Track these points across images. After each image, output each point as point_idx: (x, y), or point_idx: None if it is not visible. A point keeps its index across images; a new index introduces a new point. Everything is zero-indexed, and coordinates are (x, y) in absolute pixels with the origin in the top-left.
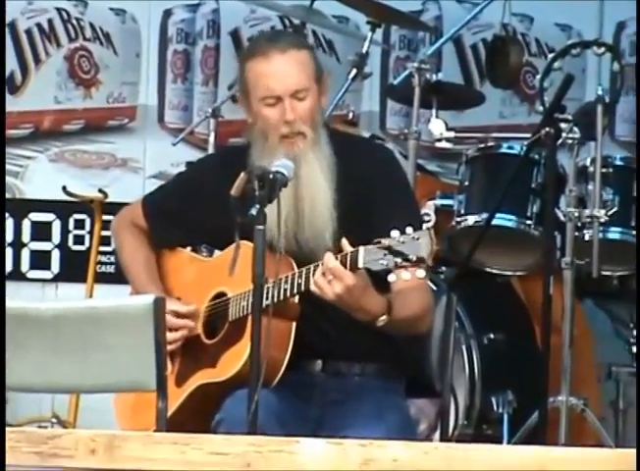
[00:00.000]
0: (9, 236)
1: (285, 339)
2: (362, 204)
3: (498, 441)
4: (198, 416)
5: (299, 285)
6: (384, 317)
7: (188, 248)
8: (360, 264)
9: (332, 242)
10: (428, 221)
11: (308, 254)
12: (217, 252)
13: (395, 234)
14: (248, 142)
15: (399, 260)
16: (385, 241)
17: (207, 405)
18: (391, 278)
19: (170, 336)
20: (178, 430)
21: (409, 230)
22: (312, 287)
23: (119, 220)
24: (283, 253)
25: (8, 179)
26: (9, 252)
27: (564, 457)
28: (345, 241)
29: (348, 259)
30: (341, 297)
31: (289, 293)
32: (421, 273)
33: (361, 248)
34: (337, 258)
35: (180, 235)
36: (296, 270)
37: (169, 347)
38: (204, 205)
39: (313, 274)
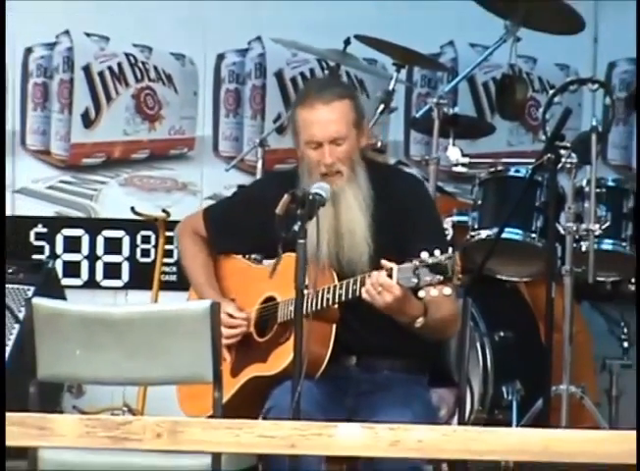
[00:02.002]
0: (85, 250)
1: (326, 338)
2: (397, 228)
3: (508, 424)
4: (250, 403)
5: (340, 295)
6: (421, 319)
7: (240, 256)
8: (394, 280)
9: (368, 264)
10: (447, 235)
11: (347, 271)
12: (266, 262)
13: (424, 255)
14: (297, 170)
15: (427, 278)
16: (415, 261)
17: (258, 395)
18: (421, 294)
19: (226, 332)
20: (232, 415)
21: (437, 252)
22: (364, 296)
23: (182, 227)
24: (325, 266)
25: (84, 201)
26: (85, 264)
27: (565, 438)
28: (384, 261)
29: (387, 272)
30: (389, 305)
31: (331, 302)
32: (447, 291)
33: (395, 267)
34: (386, 274)
35: (235, 243)
36: (337, 282)
37: (226, 342)
38: (257, 219)
39: (352, 286)
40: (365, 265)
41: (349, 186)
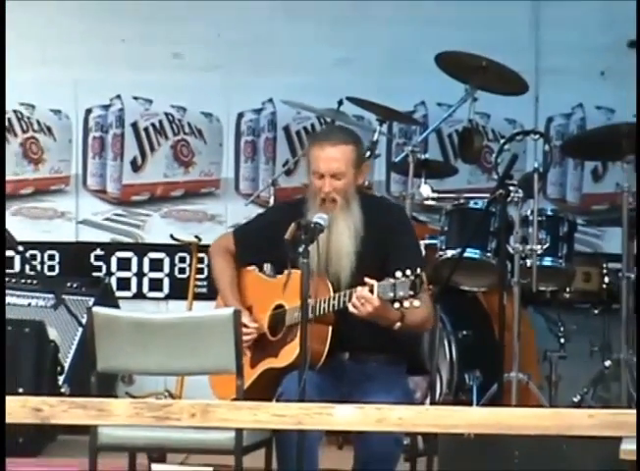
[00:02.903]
0: (134, 269)
1: (324, 337)
2: (381, 249)
3: (469, 404)
4: (265, 389)
5: (334, 305)
6: (398, 324)
7: (256, 269)
8: (375, 295)
9: (350, 279)
10: (422, 253)
11: (334, 283)
12: (278, 276)
13: (399, 274)
14: (305, 198)
15: (401, 293)
16: (392, 280)
17: (271, 382)
18: (396, 305)
19: (245, 338)
20: (251, 398)
21: (408, 272)
22: (350, 308)
23: (214, 247)
24: (323, 280)
25: (133, 229)
26: (134, 280)
27: (514, 415)
28: (367, 279)
29: (369, 288)
30: (370, 314)
31: (327, 310)
32: (417, 303)
33: (375, 284)
34: (368, 289)
35: (255, 256)
36: (332, 294)
37: (245, 344)
38: (271, 239)
39: (343, 298)
40: (347, 278)
41: (342, 214)
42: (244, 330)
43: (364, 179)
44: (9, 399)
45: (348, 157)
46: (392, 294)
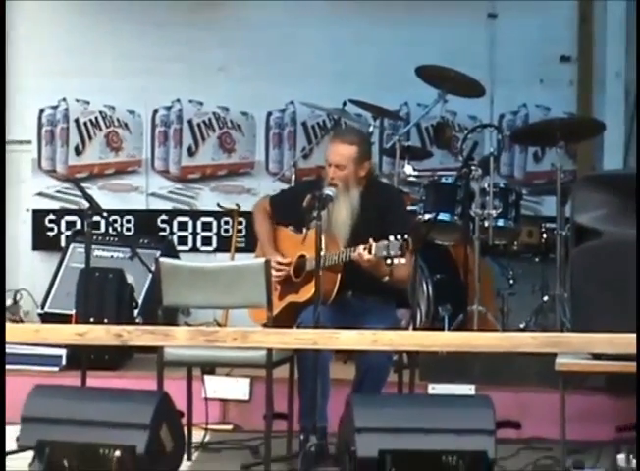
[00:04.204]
0: (190, 229)
1: (334, 281)
2: (377, 221)
3: (442, 330)
4: (289, 318)
5: (341, 258)
6: (386, 278)
7: (289, 227)
8: (373, 252)
9: (345, 243)
10: (409, 223)
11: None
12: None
13: (391, 238)
14: (322, 177)
15: (392, 252)
16: (385, 242)
17: (294, 313)
18: (387, 262)
19: (275, 273)
20: (278, 325)
21: (399, 237)
22: (354, 259)
23: (256, 207)
24: (335, 238)
25: (190, 200)
26: (190, 238)
27: (476, 337)
28: (370, 240)
29: (368, 249)
30: (367, 266)
31: (336, 261)
32: (403, 260)
33: (374, 244)
34: (364, 249)
35: (284, 218)
36: (341, 249)
37: (275, 279)
38: (297, 206)
39: (349, 253)
40: (343, 243)
41: (342, 196)
42: (278, 267)
43: (366, 171)
44: (98, 328)
45: (351, 154)
46: (385, 253)
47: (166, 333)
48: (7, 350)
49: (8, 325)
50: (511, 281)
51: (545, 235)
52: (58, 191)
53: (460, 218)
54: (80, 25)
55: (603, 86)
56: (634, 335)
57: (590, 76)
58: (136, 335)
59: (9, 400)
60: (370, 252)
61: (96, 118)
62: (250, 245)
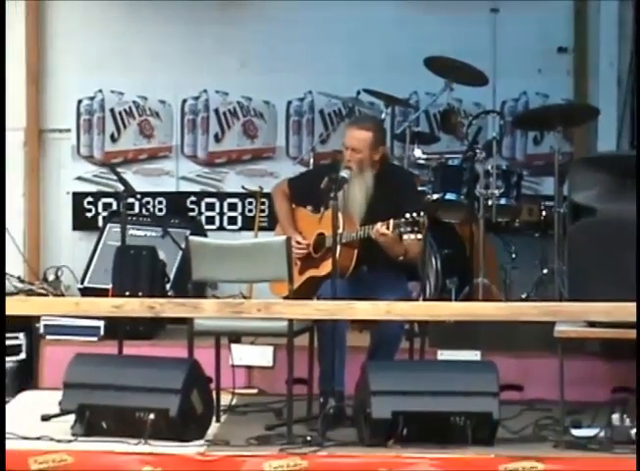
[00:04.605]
0: (217, 210)
1: (351, 256)
2: (391, 202)
3: (450, 301)
4: (309, 291)
5: (359, 235)
6: (401, 258)
7: (304, 208)
8: (390, 228)
9: (361, 222)
10: (423, 203)
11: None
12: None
13: (407, 215)
14: (339, 161)
15: (408, 229)
16: (403, 219)
17: (313, 286)
18: (405, 237)
19: (295, 252)
20: (299, 297)
21: (415, 214)
22: (373, 236)
23: (275, 189)
24: (352, 217)
25: (216, 183)
26: (217, 217)
27: (481, 307)
28: (391, 220)
29: (386, 226)
30: (383, 242)
31: (354, 238)
32: (419, 236)
33: (391, 221)
34: (382, 225)
35: (303, 199)
36: (358, 227)
37: (295, 257)
38: (315, 188)
39: (366, 231)
40: (359, 221)
41: (356, 178)
42: (298, 245)
43: (380, 156)
44: (133, 301)
45: (366, 139)
46: (402, 229)
47: (195, 305)
48: (50, 322)
49: (51, 298)
50: (513, 255)
51: (544, 213)
52: (95, 176)
53: (466, 197)
54: (114, 23)
55: (597, 75)
56: (627, 304)
57: (585, 65)
58: (168, 307)
59: (53, 368)
60: (388, 228)
61: (130, 108)
62: (272, 224)
